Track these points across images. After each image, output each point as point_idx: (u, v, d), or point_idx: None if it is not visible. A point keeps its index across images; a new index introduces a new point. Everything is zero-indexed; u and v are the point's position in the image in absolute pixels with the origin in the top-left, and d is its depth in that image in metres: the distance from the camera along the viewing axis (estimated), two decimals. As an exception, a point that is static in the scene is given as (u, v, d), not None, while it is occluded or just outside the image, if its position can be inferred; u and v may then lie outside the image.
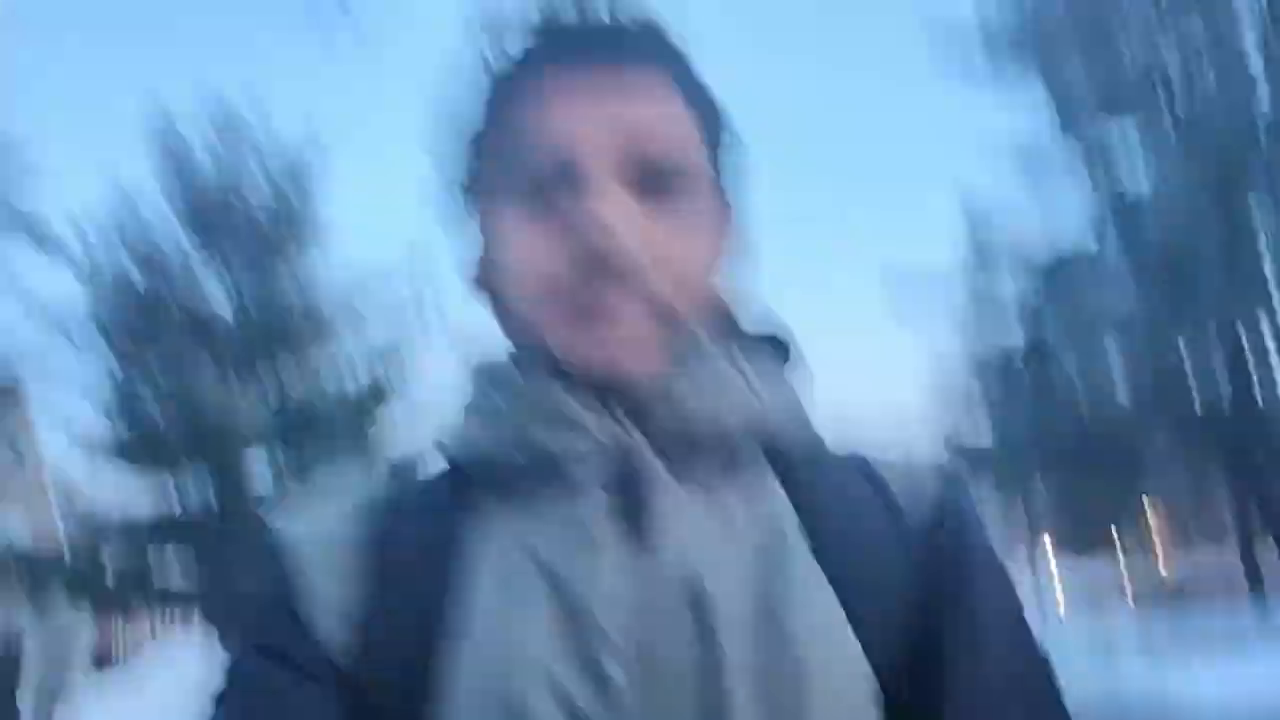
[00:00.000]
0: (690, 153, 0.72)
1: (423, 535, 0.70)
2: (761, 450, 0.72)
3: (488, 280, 0.76)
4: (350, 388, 13.08)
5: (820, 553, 0.68)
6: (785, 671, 0.62)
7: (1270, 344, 15.13)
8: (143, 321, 12.54)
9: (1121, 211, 15.67)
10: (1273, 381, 15.07)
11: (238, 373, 12.51)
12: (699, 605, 0.63)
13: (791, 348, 0.76)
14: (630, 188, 0.69)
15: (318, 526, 0.72)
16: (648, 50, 0.72)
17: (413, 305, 13.21)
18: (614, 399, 0.68)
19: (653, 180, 0.69)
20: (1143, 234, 15.05)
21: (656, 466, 0.67)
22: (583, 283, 0.67)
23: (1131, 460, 15.75)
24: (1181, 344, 15.01)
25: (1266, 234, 14.54)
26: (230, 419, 12.07)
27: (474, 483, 0.71)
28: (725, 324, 0.75)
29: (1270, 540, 14.82)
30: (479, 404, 0.73)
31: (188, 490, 12.43)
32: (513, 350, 0.74)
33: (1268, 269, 14.59)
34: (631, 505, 0.66)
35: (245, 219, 13.40)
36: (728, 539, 0.67)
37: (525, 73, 0.72)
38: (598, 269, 0.67)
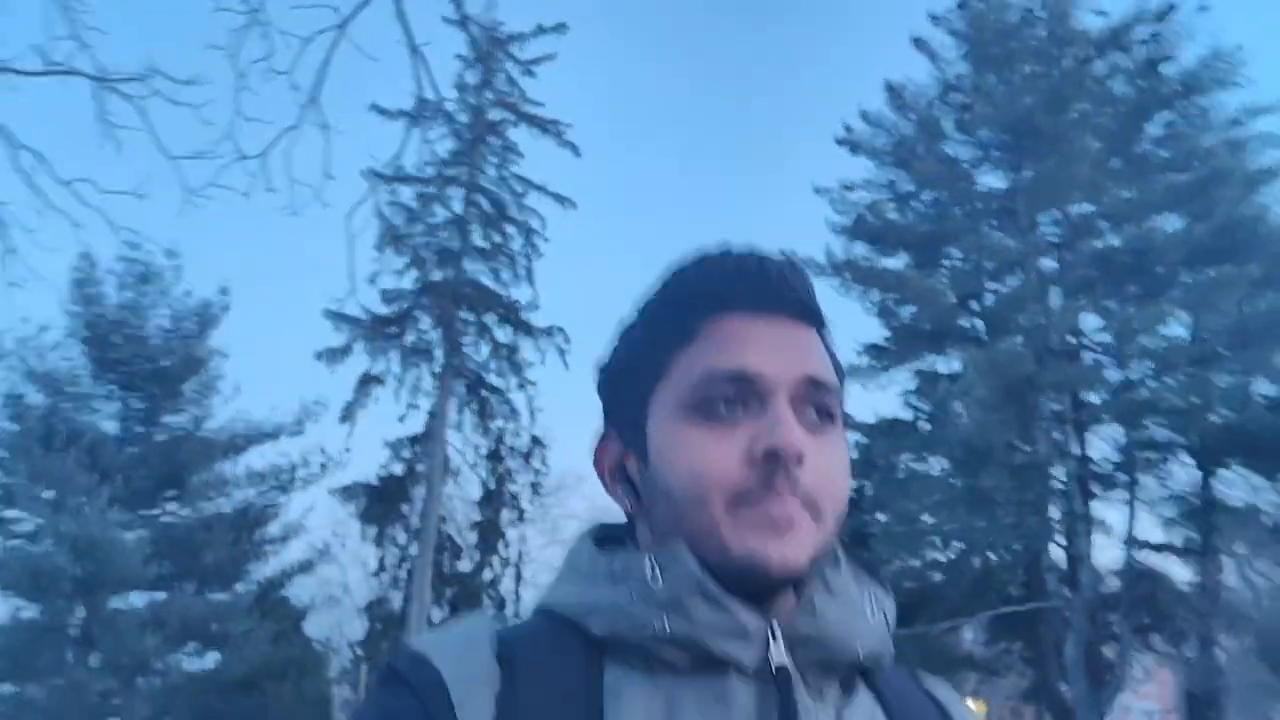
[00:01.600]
0: (837, 401, 0.85)
1: (561, 695, 0.77)
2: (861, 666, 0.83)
3: (646, 485, 0.85)
4: (225, 509, 14.12)
5: None
6: None
7: (1059, 539, 17.35)
8: (34, 438, 13.34)
9: (935, 409, 17.98)
10: (1057, 571, 17.20)
11: (124, 499, 13.32)
12: None
13: (885, 577, 0.88)
14: (801, 418, 0.81)
15: (463, 654, 0.79)
16: (811, 312, 0.87)
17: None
18: (772, 616, 0.78)
19: (816, 416, 0.83)
20: (953, 427, 17.25)
21: (798, 680, 0.77)
22: (760, 480, 0.78)
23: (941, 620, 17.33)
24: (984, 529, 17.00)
25: (1052, 440, 16.96)
26: (112, 552, 12.73)
27: (614, 651, 0.79)
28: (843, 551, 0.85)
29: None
30: (624, 587, 0.79)
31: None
32: (666, 550, 0.80)
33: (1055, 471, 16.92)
34: (775, 710, 0.75)
35: (145, 353, 14.47)
36: None
37: (717, 316, 0.84)
38: (773, 467, 0.78)
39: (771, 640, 0.77)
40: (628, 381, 0.88)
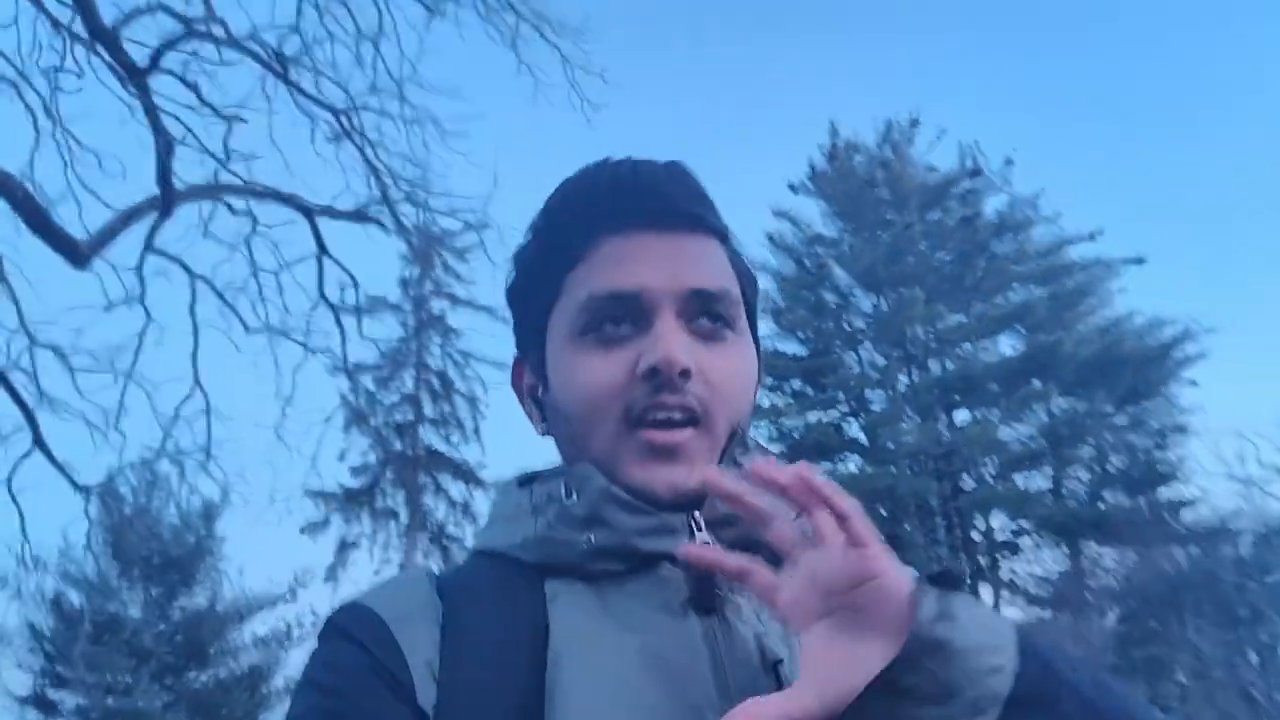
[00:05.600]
0: (734, 308, 0.86)
1: (503, 611, 0.78)
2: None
3: (549, 409, 0.88)
4: (238, 671, 17.24)
5: None
6: None
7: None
8: (72, 631, 16.41)
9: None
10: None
11: (156, 674, 16.39)
12: (768, 663, 0.76)
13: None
14: (688, 330, 0.82)
15: (400, 594, 0.81)
16: (701, 221, 0.86)
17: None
18: (692, 508, 0.80)
19: (706, 328, 0.83)
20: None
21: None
22: (646, 396, 0.79)
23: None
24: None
25: (919, 535, 20.41)
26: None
27: (550, 573, 0.80)
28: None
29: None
30: (553, 509, 0.81)
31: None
32: (575, 472, 0.82)
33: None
34: (707, 590, 0.78)
35: (161, 548, 17.68)
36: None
37: (600, 235, 0.84)
38: (657, 383, 0.79)
39: (695, 529, 0.79)
40: (526, 306, 0.90)
